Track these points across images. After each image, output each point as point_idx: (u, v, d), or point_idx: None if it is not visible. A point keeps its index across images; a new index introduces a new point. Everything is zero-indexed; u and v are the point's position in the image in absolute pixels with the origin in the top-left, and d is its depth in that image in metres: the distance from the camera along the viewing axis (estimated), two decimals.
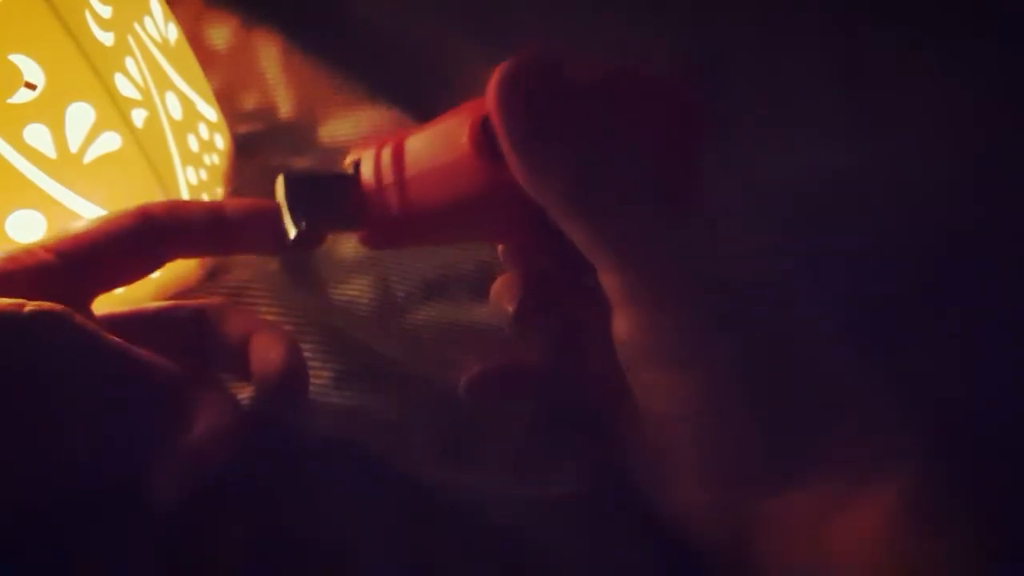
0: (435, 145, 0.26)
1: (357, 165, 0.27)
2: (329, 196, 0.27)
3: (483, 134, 0.24)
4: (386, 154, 0.27)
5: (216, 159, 0.38)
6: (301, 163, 0.40)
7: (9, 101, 0.28)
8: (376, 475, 0.30)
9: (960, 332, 0.33)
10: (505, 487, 0.29)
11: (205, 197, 0.36)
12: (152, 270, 0.28)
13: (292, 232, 0.27)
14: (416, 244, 0.34)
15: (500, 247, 0.30)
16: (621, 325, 0.25)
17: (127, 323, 0.27)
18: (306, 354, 0.32)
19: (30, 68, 0.28)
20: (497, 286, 0.29)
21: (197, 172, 0.35)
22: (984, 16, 0.39)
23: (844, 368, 0.25)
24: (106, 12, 0.31)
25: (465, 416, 0.31)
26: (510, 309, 0.28)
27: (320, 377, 0.32)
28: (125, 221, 0.26)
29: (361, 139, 0.28)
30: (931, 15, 0.39)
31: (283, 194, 0.27)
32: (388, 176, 0.26)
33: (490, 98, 0.23)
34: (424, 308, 0.35)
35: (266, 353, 0.27)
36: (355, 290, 0.36)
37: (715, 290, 0.24)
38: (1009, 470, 0.29)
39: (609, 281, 0.24)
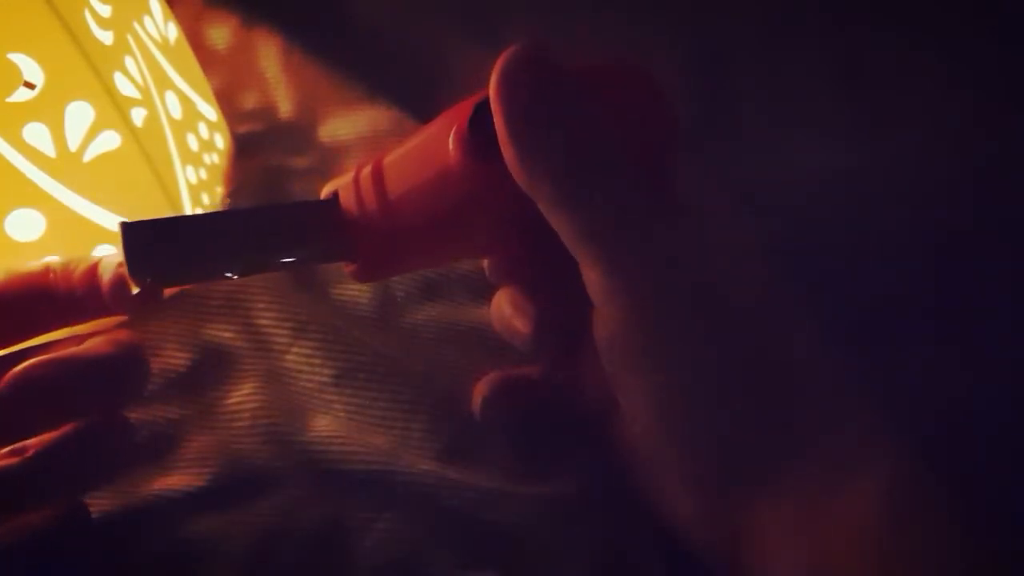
0: (417, 159, 0.25)
1: (336, 196, 0.27)
2: (183, 241, 0.25)
3: (469, 135, 0.24)
4: (366, 179, 0.26)
5: (216, 158, 0.38)
6: (301, 162, 0.40)
7: (8, 100, 0.28)
8: (375, 474, 0.30)
9: (960, 332, 0.33)
10: (505, 487, 0.29)
11: (205, 197, 0.36)
12: (49, 331, 0.27)
13: (134, 287, 0.25)
14: (406, 270, 0.34)
15: (486, 262, 0.29)
16: (600, 325, 0.25)
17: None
18: (306, 353, 0.33)
19: (29, 67, 0.28)
20: (503, 306, 0.29)
21: (197, 171, 0.35)
22: (984, 16, 0.39)
23: (822, 369, 0.25)
24: (106, 11, 0.31)
25: (465, 416, 0.31)
26: (524, 329, 0.28)
27: (320, 375, 0.32)
28: (25, 279, 0.27)
29: (335, 174, 0.27)
30: (931, 15, 0.39)
31: (121, 244, 0.24)
32: (371, 201, 0.26)
33: (492, 81, 0.24)
34: (424, 308, 0.35)
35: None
36: (355, 289, 0.36)
37: (690, 292, 0.24)
38: (1008, 470, 0.29)
39: (591, 278, 0.24)
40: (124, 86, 0.31)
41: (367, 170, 0.26)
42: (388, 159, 0.26)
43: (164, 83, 0.34)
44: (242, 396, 0.32)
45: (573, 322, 0.26)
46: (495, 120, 0.24)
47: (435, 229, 0.26)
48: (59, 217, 0.29)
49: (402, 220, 0.25)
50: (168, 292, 0.32)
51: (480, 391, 0.29)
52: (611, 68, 0.26)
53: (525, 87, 0.24)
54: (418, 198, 0.25)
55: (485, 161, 0.24)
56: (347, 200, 0.26)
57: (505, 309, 0.29)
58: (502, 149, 0.24)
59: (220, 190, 0.38)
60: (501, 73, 0.24)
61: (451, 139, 0.24)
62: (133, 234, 0.24)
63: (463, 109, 0.25)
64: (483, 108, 0.24)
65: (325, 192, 0.27)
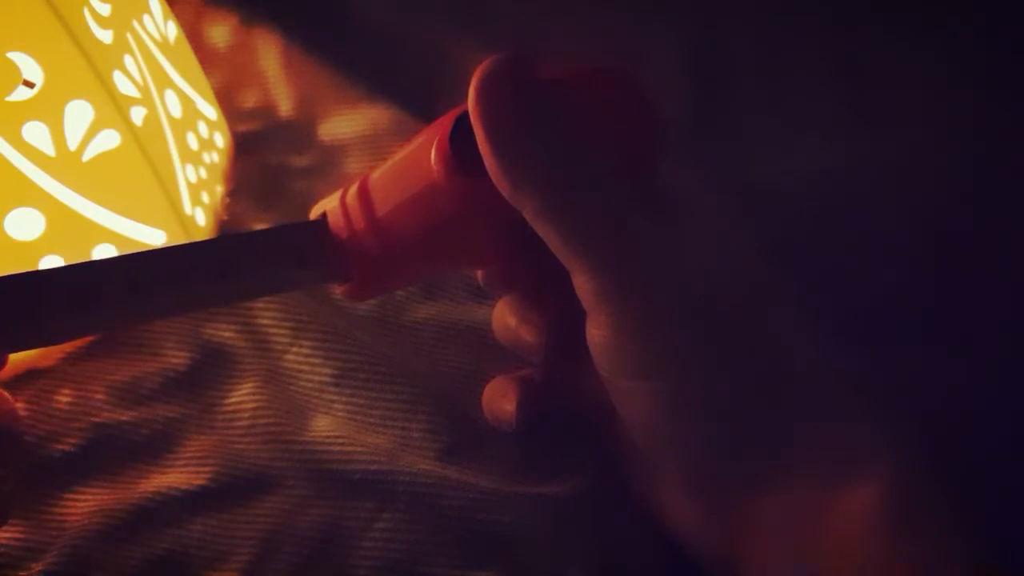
0: (402, 176, 0.25)
1: (324, 217, 0.26)
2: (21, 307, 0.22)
3: (451, 149, 0.24)
4: (352, 199, 0.26)
5: (216, 157, 0.38)
6: (301, 161, 0.40)
7: (8, 99, 0.28)
8: (375, 474, 0.30)
9: (960, 332, 0.33)
10: (505, 487, 0.29)
11: (205, 195, 0.36)
12: None
13: None
14: (398, 286, 0.34)
15: (480, 273, 0.29)
16: (593, 331, 0.25)
17: None
18: (306, 352, 0.33)
19: (29, 66, 0.28)
20: (506, 316, 0.29)
21: (196, 170, 0.35)
22: (984, 16, 0.39)
23: (819, 370, 0.25)
24: (105, 10, 0.31)
25: (465, 416, 0.31)
26: (532, 339, 0.28)
27: (320, 375, 0.32)
28: None
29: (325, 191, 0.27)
30: (931, 15, 0.39)
31: None
32: (359, 221, 0.25)
33: (470, 96, 0.23)
34: (424, 307, 0.35)
35: None
36: None
37: (687, 293, 0.24)
38: (1008, 470, 0.29)
39: (582, 285, 0.24)
40: (124, 85, 0.31)
41: (353, 189, 0.26)
42: (374, 177, 0.26)
43: (164, 82, 0.34)
44: (242, 396, 0.32)
45: (575, 327, 0.25)
46: (475, 133, 0.23)
47: (425, 244, 0.25)
48: (58, 216, 0.29)
49: (391, 238, 0.25)
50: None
51: (514, 403, 0.28)
52: (596, 73, 0.25)
53: (502, 99, 0.23)
54: (405, 215, 0.25)
55: (469, 174, 0.24)
56: (335, 221, 0.26)
57: (509, 320, 0.28)
58: (484, 162, 0.23)
59: (220, 189, 0.38)
60: (478, 85, 0.23)
61: (433, 154, 0.24)
62: None
63: (444, 123, 0.24)
64: (463, 121, 0.24)
65: (313, 214, 0.27)
